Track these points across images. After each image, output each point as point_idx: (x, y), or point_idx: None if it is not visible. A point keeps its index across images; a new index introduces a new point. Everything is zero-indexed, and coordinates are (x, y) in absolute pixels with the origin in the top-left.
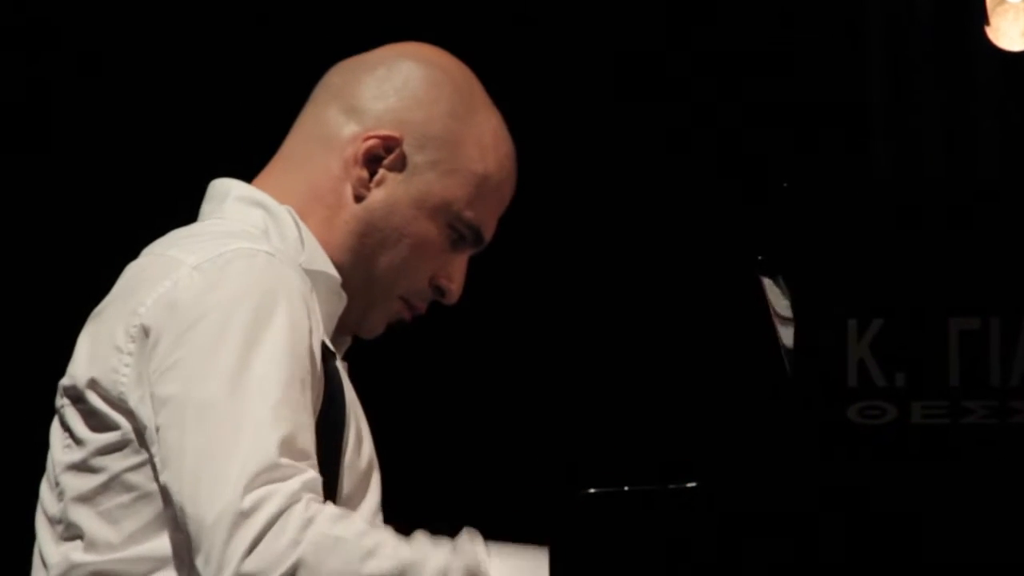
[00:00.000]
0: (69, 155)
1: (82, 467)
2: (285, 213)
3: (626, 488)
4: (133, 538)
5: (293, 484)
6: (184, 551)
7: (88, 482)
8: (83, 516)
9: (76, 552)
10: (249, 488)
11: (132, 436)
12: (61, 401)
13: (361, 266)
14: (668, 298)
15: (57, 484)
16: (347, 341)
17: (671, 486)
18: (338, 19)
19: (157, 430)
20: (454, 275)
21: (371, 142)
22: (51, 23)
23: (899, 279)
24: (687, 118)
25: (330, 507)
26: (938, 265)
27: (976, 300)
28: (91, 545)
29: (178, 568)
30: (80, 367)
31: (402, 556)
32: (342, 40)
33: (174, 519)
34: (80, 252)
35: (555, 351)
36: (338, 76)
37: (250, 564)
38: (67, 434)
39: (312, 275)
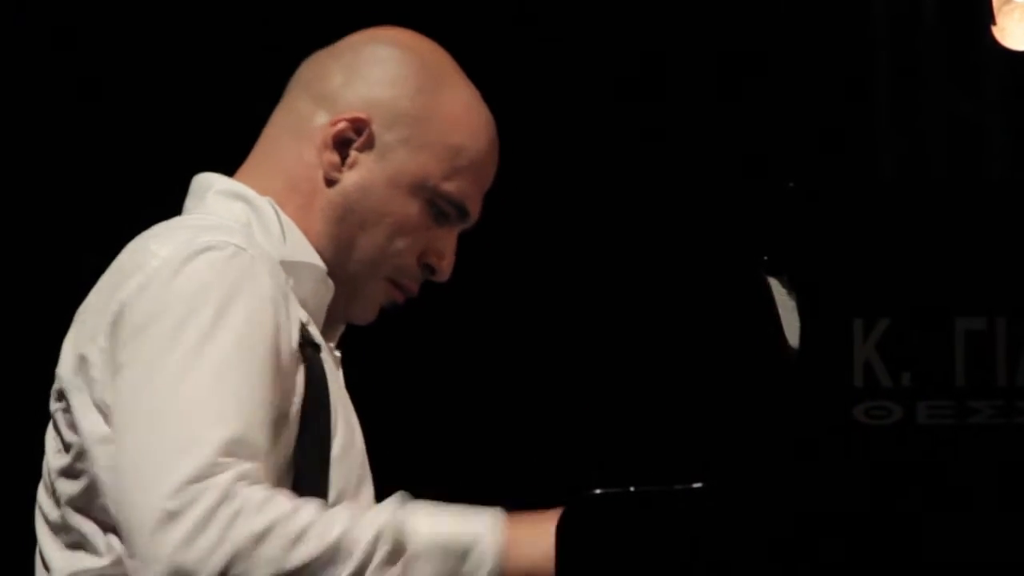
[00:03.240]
0: (59, 151)
1: (70, 472)
2: (267, 205)
3: (632, 489)
4: None
5: (225, 478)
6: None
7: (75, 486)
8: (79, 520)
9: (78, 558)
10: (179, 489)
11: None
12: (54, 406)
13: (343, 251)
14: (674, 298)
15: (54, 490)
16: (340, 328)
17: (677, 487)
18: (327, 16)
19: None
20: (443, 252)
21: (340, 125)
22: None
23: (905, 279)
24: (692, 118)
25: (256, 492)
26: (944, 265)
27: (982, 300)
28: (93, 550)
29: None
30: (67, 370)
31: (331, 535)
32: (330, 37)
33: None
34: (69, 251)
35: (560, 350)
36: (308, 68)
37: (176, 565)
38: (59, 438)
39: (297, 267)
